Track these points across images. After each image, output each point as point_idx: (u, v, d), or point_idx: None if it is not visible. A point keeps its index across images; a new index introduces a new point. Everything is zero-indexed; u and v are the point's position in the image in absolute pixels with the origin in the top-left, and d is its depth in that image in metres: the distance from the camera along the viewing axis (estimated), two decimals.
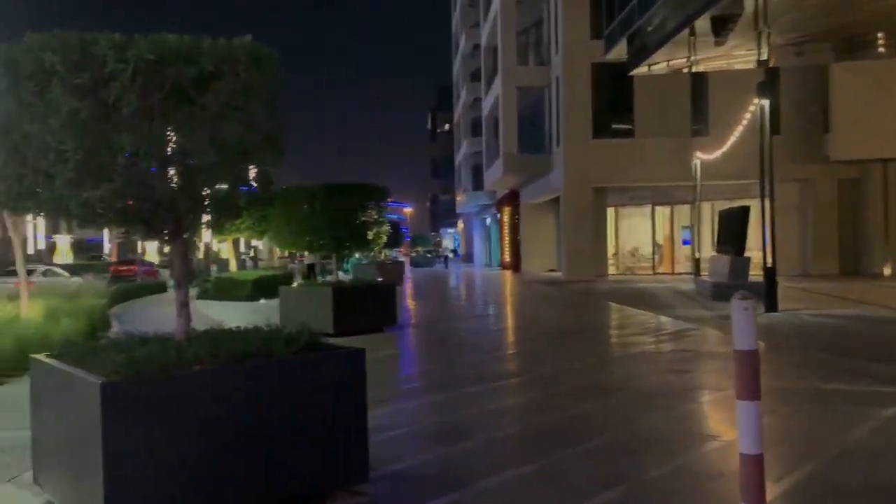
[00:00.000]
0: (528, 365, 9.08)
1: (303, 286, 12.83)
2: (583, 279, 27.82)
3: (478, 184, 50.35)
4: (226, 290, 22.90)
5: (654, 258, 32.15)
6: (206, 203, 4.46)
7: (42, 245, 49.14)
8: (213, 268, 38.04)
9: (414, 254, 63.54)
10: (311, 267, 34.34)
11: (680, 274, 30.51)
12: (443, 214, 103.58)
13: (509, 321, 15.08)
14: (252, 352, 4.24)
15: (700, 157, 24.23)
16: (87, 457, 3.85)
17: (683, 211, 31.57)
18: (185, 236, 4.65)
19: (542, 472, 4.70)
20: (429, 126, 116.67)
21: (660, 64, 22.73)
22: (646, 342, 11.05)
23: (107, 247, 72.49)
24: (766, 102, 15.08)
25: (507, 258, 44.53)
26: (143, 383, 3.83)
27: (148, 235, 4.65)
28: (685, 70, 23.14)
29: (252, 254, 46.27)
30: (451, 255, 75.79)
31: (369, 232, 12.62)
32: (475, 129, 51.70)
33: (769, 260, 14.61)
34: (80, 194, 3.93)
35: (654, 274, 31.46)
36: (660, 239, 32.63)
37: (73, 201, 3.98)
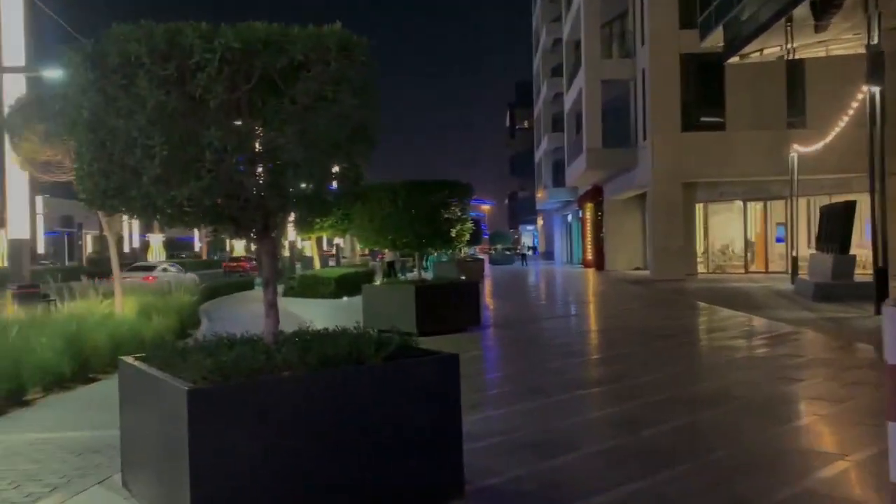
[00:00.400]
0: (623, 370, 8.62)
1: (385, 284, 12.70)
2: (672, 278, 26.86)
3: (558, 180, 49.58)
4: (310, 287, 23.14)
5: (745, 256, 30.81)
6: (294, 200, 4.26)
7: (136, 243, 51.18)
8: (298, 265, 38.59)
9: (493, 251, 63.16)
10: (391, 265, 34.45)
11: (774, 273, 29.11)
12: (521, 211, 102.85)
13: (597, 322, 14.58)
14: (342, 357, 4.01)
15: (797, 151, 22.98)
16: (173, 463, 3.71)
17: (777, 207, 30.17)
18: (273, 234, 4.46)
19: (653, 492, 4.29)
20: (507, 123, 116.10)
21: (754, 52, 21.67)
22: (748, 347, 10.39)
23: (197, 245, 75.05)
24: (875, 90, 14.07)
25: (590, 256, 43.59)
26: (232, 389, 3.66)
27: (237, 234, 4.50)
28: (781, 58, 21.96)
29: (334, 251, 46.80)
30: (529, 252, 74.97)
31: (452, 229, 12.36)
32: (556, 124, 50.88)
33: (880, 259, 13.61)
34: (167, 192, 3.79)
35: (747, 273, 30.13)
36: (752, 236, 31.26)
37: (161, 199, 3.85)
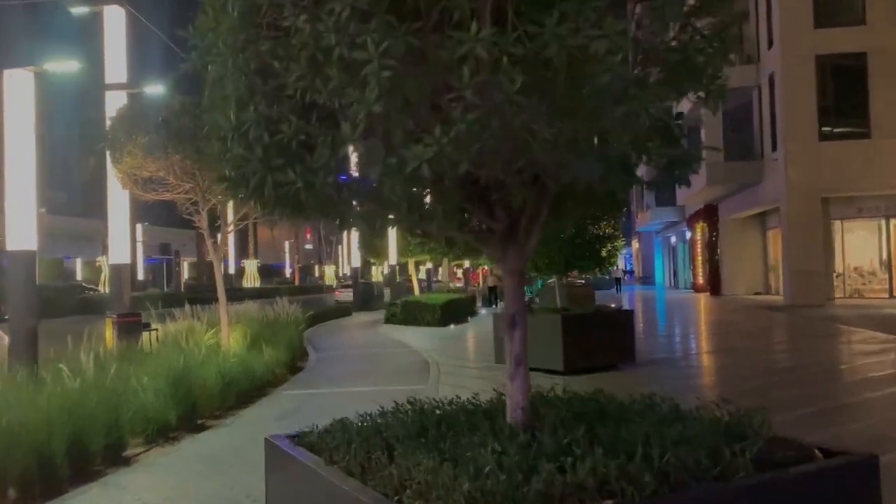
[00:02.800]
0: (869, 434, 6.58)
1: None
2: (810, 304, 24.09)
3: (662, 199, 46.85)
4: (413, 314, 21.63)
5: (890, 279, 27.60)
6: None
7: (232, 269, 51.40)
8: (387, 291, 37.13)
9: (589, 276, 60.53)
10: (492, 290, 32.75)
11: None
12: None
13: (773, 359, 12.40)
14: (679, 467, 2.27)
15: None
16: None
17: None
18: (526, 242, 2.87)
19: None
20: None
21: None
22: None
23: (288, 271, 75.58)
24: None
25: (701, 280, 40.75)
26: None
27: (478, 240, 2.98)
28: None
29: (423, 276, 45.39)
30: (623, 276, 72.00)
31: (603, 248, 10.55)
32: None
33: None
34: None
35: (891, 297, 26.95)
36: (894, 256, 28.02)
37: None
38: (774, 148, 26.23)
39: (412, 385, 9.89)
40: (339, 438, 3.05)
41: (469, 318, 23.61)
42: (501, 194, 2.77)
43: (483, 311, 27.35)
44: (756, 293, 34.76)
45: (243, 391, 9.28)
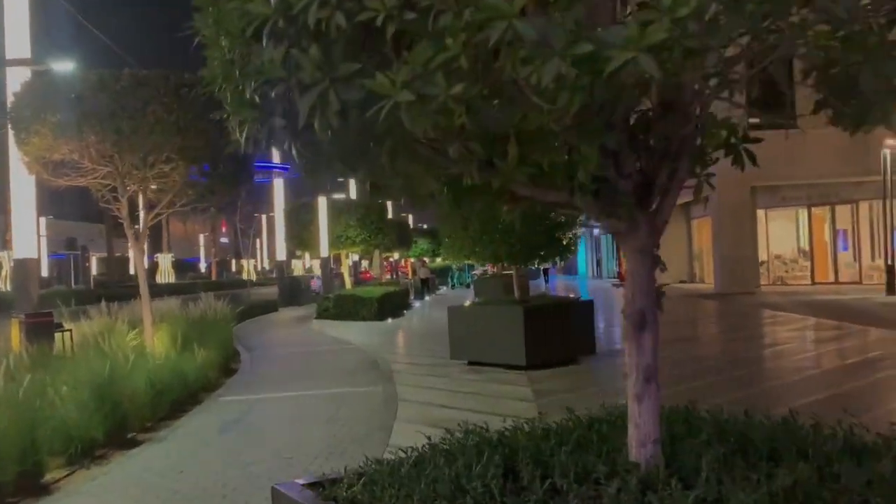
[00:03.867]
0: None
1: (480, 305, 10.29)
2: (741, 291, 24.41)
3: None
4: (347, 308, 20.65)
5: (812, 267, 28.37)
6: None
7: (146, 264, 48.77)
8: (316, 284, 35.85)
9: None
10: (424, 282, 32.05)
11: (846, 284, 26.67)
12: None
13: (730, 349, 12.15)
14: None
15: (891, 147, 20.62)
16: None
17: (843, 213, 27.83)
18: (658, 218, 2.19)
19: None
20: None
21: None
22: None
23: (202, 266, 72.91)
24: None
25: (624, 269, 41.17)
26: None
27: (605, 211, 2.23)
28: None
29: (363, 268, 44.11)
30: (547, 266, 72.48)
31: (563, 236, 9.97)
32: None
33: None
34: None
35: (813, 284, 27.69)
36: (816, 245, 28.80)
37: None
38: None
39: (364, 387, 9.08)
40: (393, 492, 2.19)
41: (405, 312, 22.83)
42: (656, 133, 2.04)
43: (417, 304, 26.62)
44: (681, 281, 35.24)
45: (176, 399, 8.25)
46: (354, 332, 16.47)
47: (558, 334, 10.00)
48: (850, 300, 19.46)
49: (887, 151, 20.52)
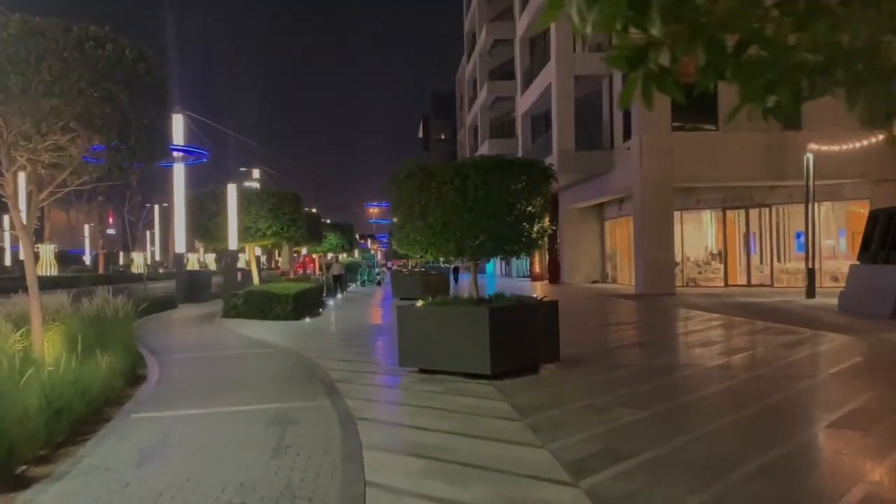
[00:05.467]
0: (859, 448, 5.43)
1: (437, 306, 9.07)
2: (661, 292, 24.26)
3: None
4: (260, 306, 18.98)
5: (725, 269, 28.70)
6: None
7: (22, 255, 44.57)
8: (214, 280, 33.51)
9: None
10: (336, 278, 30.44)
11: (759, 286, 27.08)
12: None
13: (694, 353, 11.46)
14: None
15: (814, 151, 20.79)
16: None
17: (756, 216, 28.28)
18: None
19: None
20: (420, 135, 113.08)
21: None
22: None
23: (88, 258, 68.24)
24: None
25: (538, 268, 40.98)
26: None
27: None
28: None
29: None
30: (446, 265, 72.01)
31: (533, 227, 8.93)
32: (497, 130, 48.22)
33: None
34: None
35: (726, 286, 28.02)
36: (730, 247, 29.18)
37: None
38: (626, 137, 26.20)
39: (308, 401, 7.71)
40: None
41: (321, 311, 21.32)
42: None
43: (331, 302, 25.11)
44: (594, 282, 35.22)
45: (82, 419, 6.66)
46: (273, 333, 14.92)
47: (523, 339, 8.96)
48: (780, 303, 19.43)
49: (810, 156, 20.68)
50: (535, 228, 8.94)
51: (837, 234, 27.41)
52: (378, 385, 8.57)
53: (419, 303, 9.34)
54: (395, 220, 9.17)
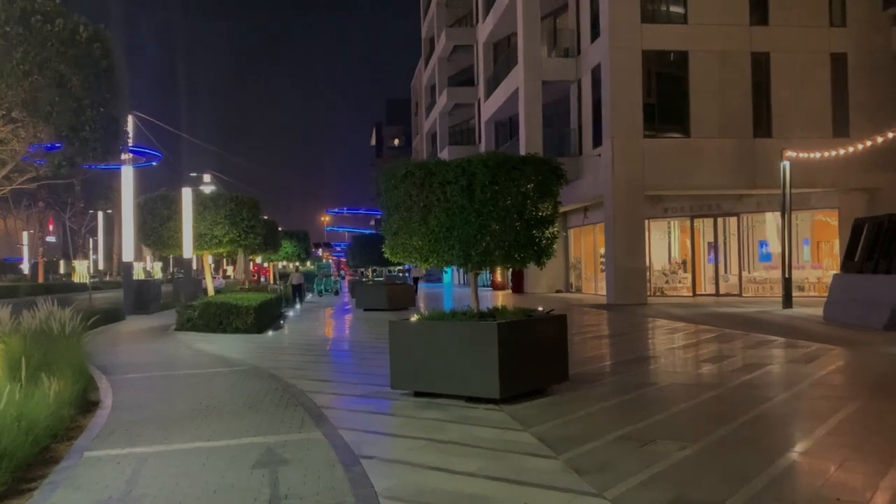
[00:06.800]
0: None
1: (435, 320, 8.08)
2: (632, 302, 23.68)
3: None
4: (217, 318, 17.66)
5: (694, 278, 28.32)
6: None
7: None
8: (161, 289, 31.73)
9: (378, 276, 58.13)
10: (296, 288, 29.15)
11: (728, 297, 26.73)
12: None
13: (704, 372, 10.70)
14: None
15: (791, 159, 20.45)
16: None
17: (723, 225, 28.00)
18: None
19: None
20: (373, 142, 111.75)
21: None
22: None
23: (26, 266, 65.24)
24: None
25: (500, 278, 40.24)
26: None
27: None
28: None
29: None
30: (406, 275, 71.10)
31: (544, 234, 8.03)
32: (456, 136, 47.45)
33: None
34: None
35: (694, 296, 27.63)
36: (698, 256, 28.83)
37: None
38: (595, 143, 25.62)
39: (294, 432, 6.64)
40: None
41: (282, 323, 20.08)
42: None
43: (290, 314, 23.84)
44: (557, 291, 34.60)
45: (24, 458, 5.49)
46: (235, 348, 13.70)
47: (532, 358, 8.04)
48: (759, 313, 18.96)
49: (787, 163, 20.33)
50: (546, 234, 8.03)
51: (801, 244, 27.31)
52: (372, 412, 7.52)
53: (414, 317, 8.33)
54: (386, 224, 8.13)
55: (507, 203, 7.52)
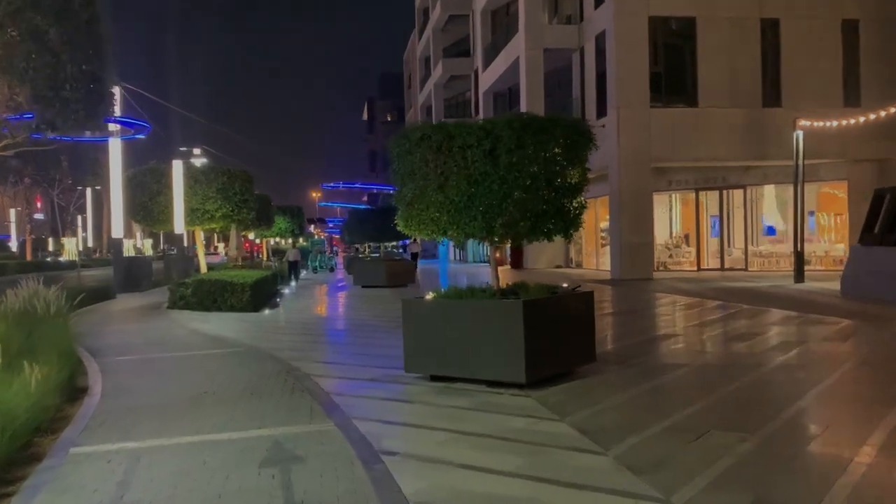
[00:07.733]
0: None
1: (454, 298, 7.42)
2: (639, 277, 23.08)
3: None
4: (211, 296, 16.97)
5: (699, 252, 27.74)
6: None
7: None
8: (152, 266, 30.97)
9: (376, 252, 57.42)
10: (292, 265, 28.41)
11: (734, 270, 26.17)
12: (391, 208, 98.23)
13: (738, 351, 10.11)
14: None
15: (804, 128, 19.77)
16: None
17: (729, 197, 27.36)
18: None
19: None
20: (365, 117, 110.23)
21: None
22: None
23: (15, 244, 64.22)
24: None
25: (499, 253, 39.63)
26: None
27: None
28: None
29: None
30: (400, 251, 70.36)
31: (573, 202, 7.36)
32: (452, 109, 46.57)
33: None
34: None
35: (699, 270, 27.07)
36: (703, 230, 28.20)
37: None
38: (600, 114, 24.85)
39: (304, 423, 6.00)
40: None
41: (279, 300, 19.42)
42: None
43: (286, 291, 23.17)
44: (557, 266, 34.01)
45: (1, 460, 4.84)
46: (232, 328, 13.05)
47: (559, 338, 7.40)
48: (772, 288, 18.38)
49: (800, 133, 19.66)
50: (575, 204, 7.35)
51: (807, 217, 26.73)
52: (387, 399, 6.88)
53: (429, 295, 7.67)
54: (399, 194, 7.43)
55: (533, 169, 6.83)
